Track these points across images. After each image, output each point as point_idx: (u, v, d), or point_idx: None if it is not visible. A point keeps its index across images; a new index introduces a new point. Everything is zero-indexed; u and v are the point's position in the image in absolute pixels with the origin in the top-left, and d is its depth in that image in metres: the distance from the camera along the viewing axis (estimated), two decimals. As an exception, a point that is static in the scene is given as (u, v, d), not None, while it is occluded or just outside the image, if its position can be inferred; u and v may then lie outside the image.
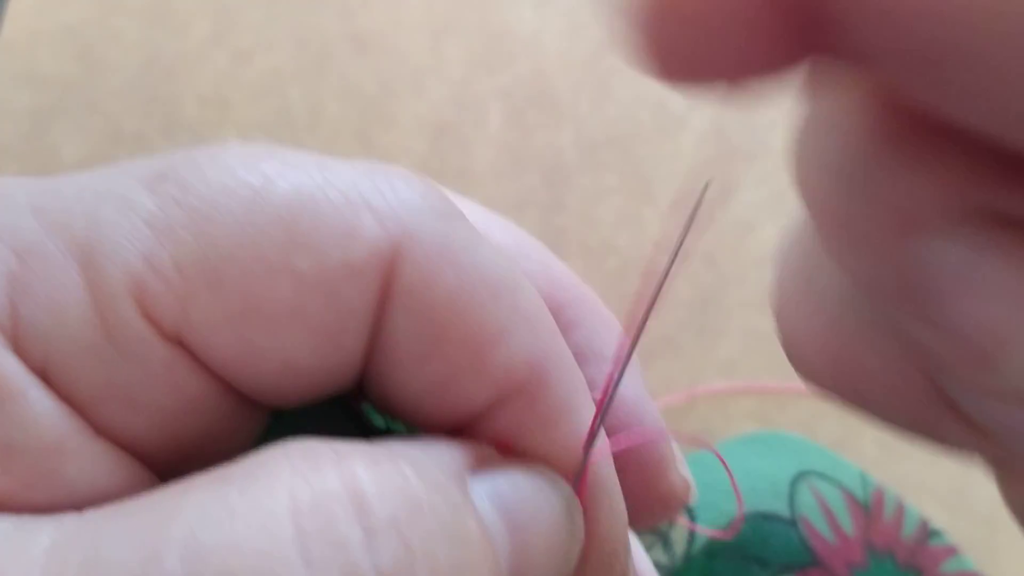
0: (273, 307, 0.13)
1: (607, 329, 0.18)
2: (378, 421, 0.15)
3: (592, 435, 0.15)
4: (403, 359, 0.14)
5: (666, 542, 0.28)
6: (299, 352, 0.13)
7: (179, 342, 0.13)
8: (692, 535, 0.28)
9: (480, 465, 0.14)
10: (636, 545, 0.19)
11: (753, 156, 0.39)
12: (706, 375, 0.36)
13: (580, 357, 0.16)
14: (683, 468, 0.18)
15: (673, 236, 0.14)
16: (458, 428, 0.15)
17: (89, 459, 0.13)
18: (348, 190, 0.13)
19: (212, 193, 0.13)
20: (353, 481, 0.12)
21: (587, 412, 0.15)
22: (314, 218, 0.13)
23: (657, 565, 0.28)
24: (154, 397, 0.13)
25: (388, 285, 0.13)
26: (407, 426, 0.15)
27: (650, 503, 0.17)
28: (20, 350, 0.12)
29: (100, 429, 0.13)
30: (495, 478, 0.14)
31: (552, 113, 0.39)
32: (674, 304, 0.36)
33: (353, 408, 0.16)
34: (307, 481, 0.12)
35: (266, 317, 0.13)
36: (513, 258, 0.15)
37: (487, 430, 0.14)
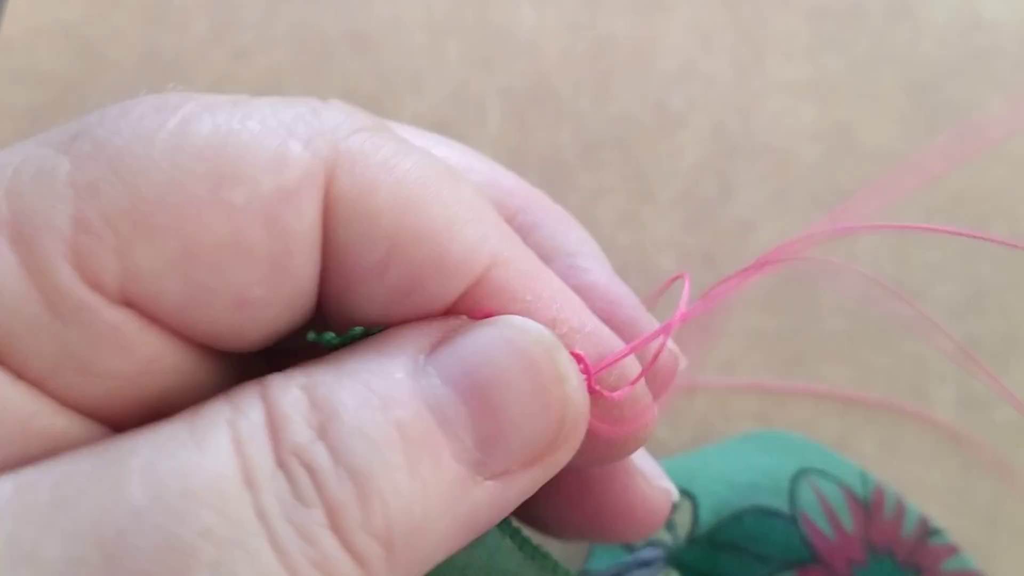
0: (212, 243, 0.13)
1: (564, 225, 0.18)
2: (333, 340, 0.15)
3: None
4: (363, 272, 0.14)
5: (670, 524, 0.29)
6: (249, 285, 0.13)
7: (126, 302, 0.13)
8: (695, 520, 0.28)
9: (442, 342, 0.14)
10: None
11: (753, 155, 0.39)
12: (705, 374, 0.36)
13: (544, 255, 0.16)
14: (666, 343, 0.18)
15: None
16: None
17: (56, 435, 0.13)
18: (269, 120, 0.13)
19: (127, 142, 0.12)
20: (271, 411, 0.12)
21: (554, 280, 0.15)
22: (238, 149, 0.13)
23: (660, 544, 0.28)
24: (108, 363, 0.13)
25: (328, 203, 0.13)
26: (365, 328, 0.15)
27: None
28: None
29: (61, 401, 0.13)
30: (455, 345, 0.14)
31: (551, 112, 0.39)
32: (673, 303, 0.36)
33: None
34: (242, 413, 0.12)
35: (208, 254, 0.13)
36: (453, 163, 0.15)
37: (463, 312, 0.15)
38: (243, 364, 0.15)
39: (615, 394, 0.15)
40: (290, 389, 0.13)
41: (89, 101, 0.40)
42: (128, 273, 0.12)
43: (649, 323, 0.17)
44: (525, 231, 0.16)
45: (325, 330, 0.15)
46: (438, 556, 0.13)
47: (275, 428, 0.12)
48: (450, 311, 0.14)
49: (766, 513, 0.28)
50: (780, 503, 0.28)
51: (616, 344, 0.16)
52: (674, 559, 0.28)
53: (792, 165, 0.39)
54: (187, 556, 0.11)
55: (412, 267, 0.14)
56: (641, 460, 0.18)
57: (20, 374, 0.12)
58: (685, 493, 0.29)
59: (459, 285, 0.14)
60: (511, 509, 0.14)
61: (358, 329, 0.14)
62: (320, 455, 0.12)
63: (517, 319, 0.14)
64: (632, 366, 0.16)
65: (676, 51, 0.40)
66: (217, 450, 0.12)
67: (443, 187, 0.14)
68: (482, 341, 0.14)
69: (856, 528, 0.28)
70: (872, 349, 0.36)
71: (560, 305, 0.15)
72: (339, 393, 0.13)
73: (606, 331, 0.16)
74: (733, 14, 0.41)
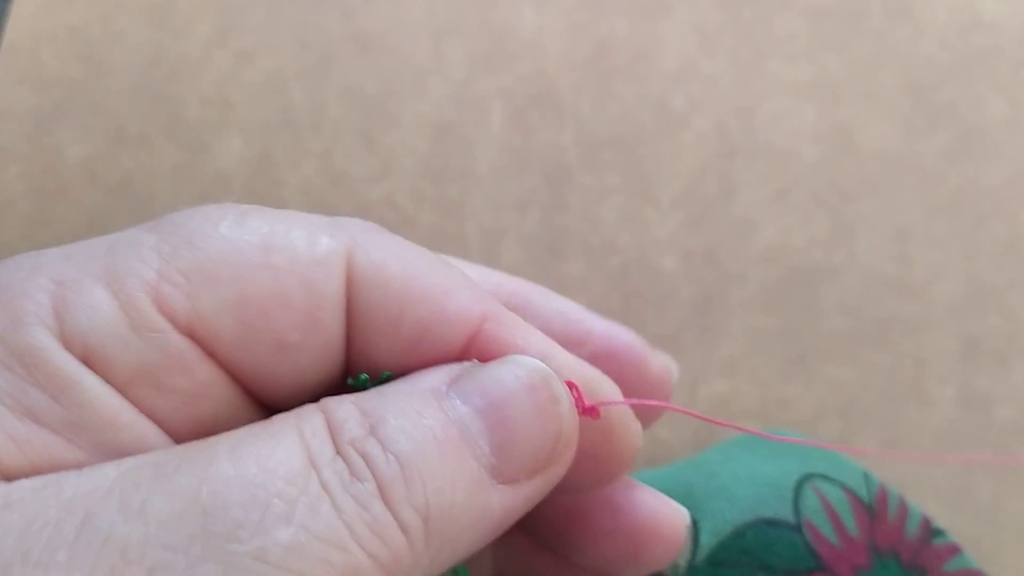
0: (262, 294, 0.17)
1: (552, 295, 0.22)
2: (367, 382, 0.18)
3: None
4: (382, 328, 0.18)
5: None
6: (288, 330, 0.17)
7: (191, 334, 0.16)
8: (696, 546, 0.28)
9: (460, 377, 0.17)
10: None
11: (754, 155, 0.39)
12: (708, 374, 0.36)
13: (543, 321, 0.21)
14: (661, 356, 0.22)
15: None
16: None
17: (138, 432, 0.16)
18: (305, 219, 0.18)
19: (198, 224, 0.17)
20: (330, 418, 0.16)
21: (537, 332, 0.19)
22: (283, 233, 0.17)
23: None
24: (175, 380, 0.16)
25: (350, 275, 0.17)
26: (392, 372, 0.18)
27: (643, 390, 0.22)
28: (65, 344, 0.15)
29: (138, 408, 0.16)
30: (471, 377, 0.17)
31: (554, 113, 0.39)
32: (675, 303, 0.36)
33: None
34: (304, 419, 0.16)
35: (257, 303, 0.17)
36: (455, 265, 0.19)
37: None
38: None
39: (603, 403, 0.19)
40: (343, 403, 0.16)
41: (93, 104, 0.40)
42: (196, 313, 0.16)
43: (641, 345, 0.22)
44: (519, 304, 0.21)
45: (357, 379, 0.18)
46: (460, 547, 0.16)
47: (333, 428, 0.16)
48: (459, 359, 0.18)
49: (770, 524, 0.28)
50: (785, 512, 0.28)
51: (597, 373, 0.20)
52: None
53: (793, 165, 0.39)
54: (265, 508, 0.14)
55: (420, 322, 0.18)
56: (652, 492, 0.22)
57: (107, 379, 0.16)
58: None
59: (460, 335, 0.18)
60: (518, 516, 0.17)
61: (387, 373, 0.18)
62: (372, 444, 0.16)
63: (519, 356, 0.18)
64: (615, 395, 0.20)
65: (677, 52, 0.40)
66: (287, 442, 0.15)
67: (439, 266, 0.18)
68: (492, 372, 0.17)
69: (860, 532, 0.28)
70: (873, 348, 0.36)
71: (546, 347, 0.19)
72: (382, 408, 0.16)
73: (587, 364, 0.20)
74: (734, 15, 0.41)
